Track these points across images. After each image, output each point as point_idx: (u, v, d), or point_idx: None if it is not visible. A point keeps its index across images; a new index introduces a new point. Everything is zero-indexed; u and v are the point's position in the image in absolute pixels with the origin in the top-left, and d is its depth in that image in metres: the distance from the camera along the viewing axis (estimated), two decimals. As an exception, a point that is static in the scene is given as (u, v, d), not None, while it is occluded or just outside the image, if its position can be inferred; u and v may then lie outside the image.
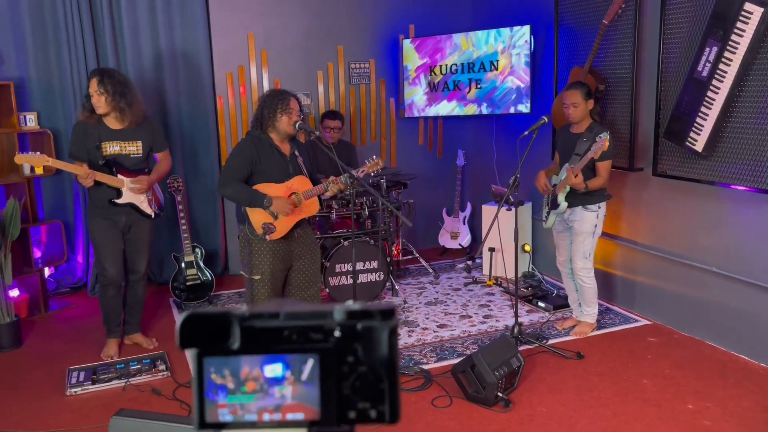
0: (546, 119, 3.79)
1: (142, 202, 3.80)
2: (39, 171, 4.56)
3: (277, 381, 0.45)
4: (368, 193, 3.83)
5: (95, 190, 3.71)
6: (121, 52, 5.00)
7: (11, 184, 4.61)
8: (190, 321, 0.45)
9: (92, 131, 3.65)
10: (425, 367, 3.65)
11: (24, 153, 3.66)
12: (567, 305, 4.54)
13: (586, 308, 4.07)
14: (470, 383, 3.26)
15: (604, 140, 3.55)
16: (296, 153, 3.55)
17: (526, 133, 3.78)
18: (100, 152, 3.66)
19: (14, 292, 4.55)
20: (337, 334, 0.45)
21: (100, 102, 3.61)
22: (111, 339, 3.95)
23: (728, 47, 3.47)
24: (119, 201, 3.73)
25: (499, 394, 3.20)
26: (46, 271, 4.95)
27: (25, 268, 4.64)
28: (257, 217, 3.40)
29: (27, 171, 4.58)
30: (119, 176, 3.69)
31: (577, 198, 3.85)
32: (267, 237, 3.37)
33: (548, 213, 4.02)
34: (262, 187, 3.40)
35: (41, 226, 4.87)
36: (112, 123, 3.70)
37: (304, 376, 0.45)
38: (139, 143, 3.77)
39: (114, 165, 3.70)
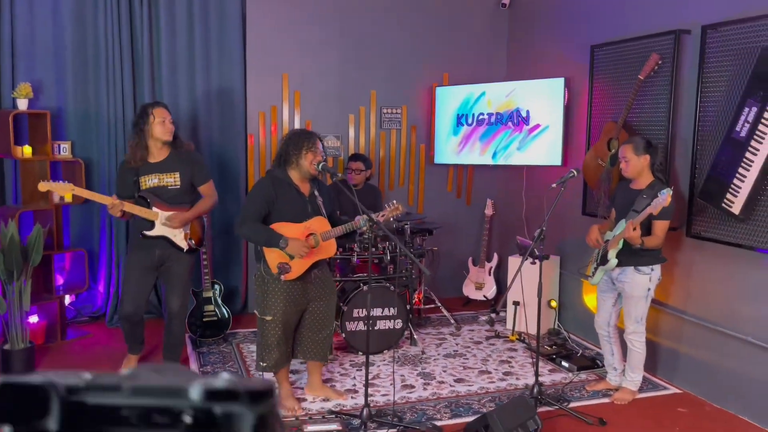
0: (575, 173, 3.69)
1: (176, 236, 3.78)
2: (68, 199, 4.63)
3: None
4: (389, 237, 3.75)
5: (135, 222, 3.76)
6: (157, 87, 5.10)
7: (40, 211, 4.67)
8: (3, 390, 0.35)
9: (131, 167, 3.71)
10: (438, 423, 3.49)
11: (50, 181, 3.69)
12: (592, 366, 4.34)
13: (630, 374, 3.84)
14: (483, 444, 3.09)
15: (666, 196, 3.33)
16: (316, 193, 3.51)
17: (554, 185, 3.69)
18: (138, 186, 3.71)
19: (33, 318, 4.56)
20: (187, 419, 0.34)
21: (171, 128, 3.73)
22: (131, 355, 4.02)
23: (768, 108, 3.35)
24: (150, 233, 3.73)
25: (513, 458, 3.02)
26: (67, 299, 4.96)
27: (46, 294, 4.65)
28: (273, 256, 3.35)
29: (57, 199, 4.63)
30: (154, 208, 3.70)
31: (628, 257, 3.64)
32: (282, 277, 3.31)
33: (596, 269, 3.84)
34: (279, 227, 3.36)
35: (66, 254, 4.91)
36: (154, 156, 3.74)
37: None
38: (177, 174, 3.77)
39: (150, 197, 3.71)
